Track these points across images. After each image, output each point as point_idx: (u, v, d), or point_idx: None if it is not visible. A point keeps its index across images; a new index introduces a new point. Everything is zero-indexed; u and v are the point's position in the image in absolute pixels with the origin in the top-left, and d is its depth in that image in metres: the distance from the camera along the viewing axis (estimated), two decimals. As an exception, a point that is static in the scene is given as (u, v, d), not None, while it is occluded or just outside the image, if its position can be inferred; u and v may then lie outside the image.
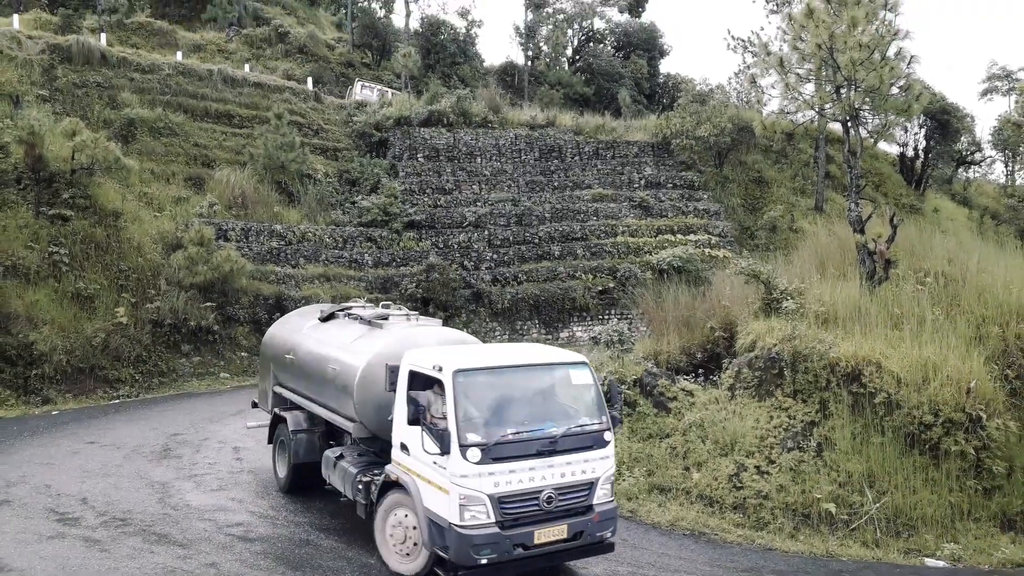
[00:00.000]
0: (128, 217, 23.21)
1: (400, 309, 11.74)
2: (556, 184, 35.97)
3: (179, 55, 34.80)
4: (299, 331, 12.06)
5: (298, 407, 11.45)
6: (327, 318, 11.74)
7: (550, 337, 30.40)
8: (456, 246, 31.31)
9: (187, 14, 45.53)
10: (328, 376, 10.16)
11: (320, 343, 11.04)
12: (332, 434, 10.85)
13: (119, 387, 19.88)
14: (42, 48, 28.28)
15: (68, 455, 13.45)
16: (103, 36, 32.30)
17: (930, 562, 9.75)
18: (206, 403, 18.89)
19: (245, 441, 14.60)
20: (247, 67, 37.39)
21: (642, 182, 37.25)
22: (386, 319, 10.63)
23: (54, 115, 24.29)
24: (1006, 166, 53.84)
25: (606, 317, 29.67)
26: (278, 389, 12.27)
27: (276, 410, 11.95)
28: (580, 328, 30.50)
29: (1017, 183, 52.83)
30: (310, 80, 38.87)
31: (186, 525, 9.78)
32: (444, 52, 47.82)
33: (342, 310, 11.91)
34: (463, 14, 50.60)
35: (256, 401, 13.62)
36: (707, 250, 32.50)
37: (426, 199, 32.81)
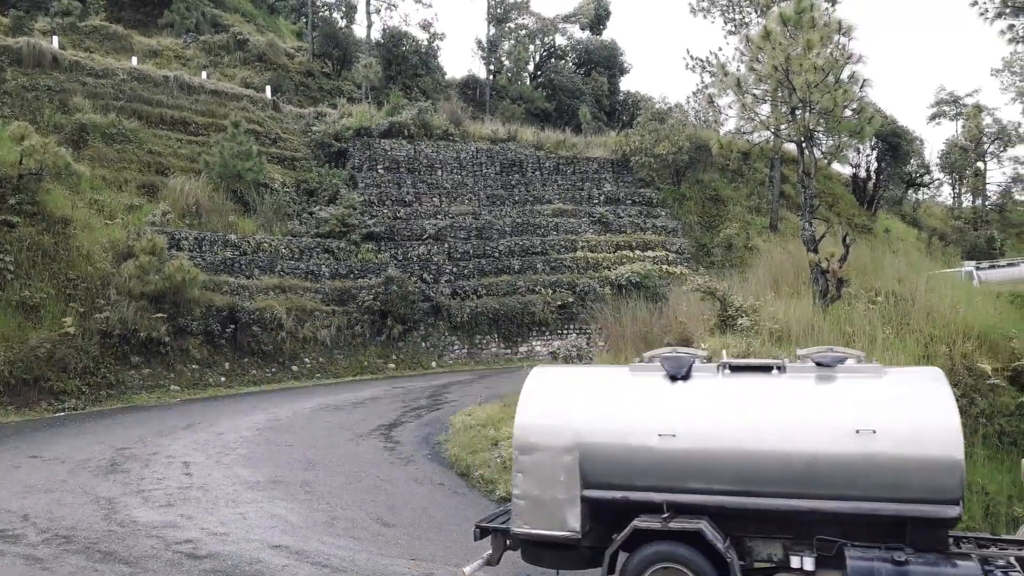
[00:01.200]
0: (78, 224, 22.66)
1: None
2: (517, 198, 36.10)
3: (134, 60, 34.23)
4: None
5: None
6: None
7: (509, 351, 30.40)
8: (415, 259, 31.18)
9: (143, 19, 44.80)
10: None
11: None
12: None
13: (65, 399, 19.33)
14: (-9, 50, 27.59)
15: (9, 469, 13.02)
16: (55, 39, 31.63)
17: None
18: (156, 417, 18.46)
19: (194, 456, 14.28)
20: (204, 74, 36.89)
21: (601, 198, 37.57)
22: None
23: (2, 119, 23.75)
24: (953, 188, 55.54)
25: (565, 332, 29.80)
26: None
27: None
28: (539, 343, 30.56)
29: (964, 205, 54.47)
30: (268, 89, 38.51)
31: (133, 542, 9.51)
32: (406, 64, 47.79)
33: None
34: (425, 26, 50.69)
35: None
36: (664, 266, 32.86)
37: (385, 211, 32.66)
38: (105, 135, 27.58)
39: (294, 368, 25.46)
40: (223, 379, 23.37)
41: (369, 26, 49.60)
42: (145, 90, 30.95)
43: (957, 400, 11.89)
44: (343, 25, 49.74)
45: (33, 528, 9.99)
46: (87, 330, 20.66)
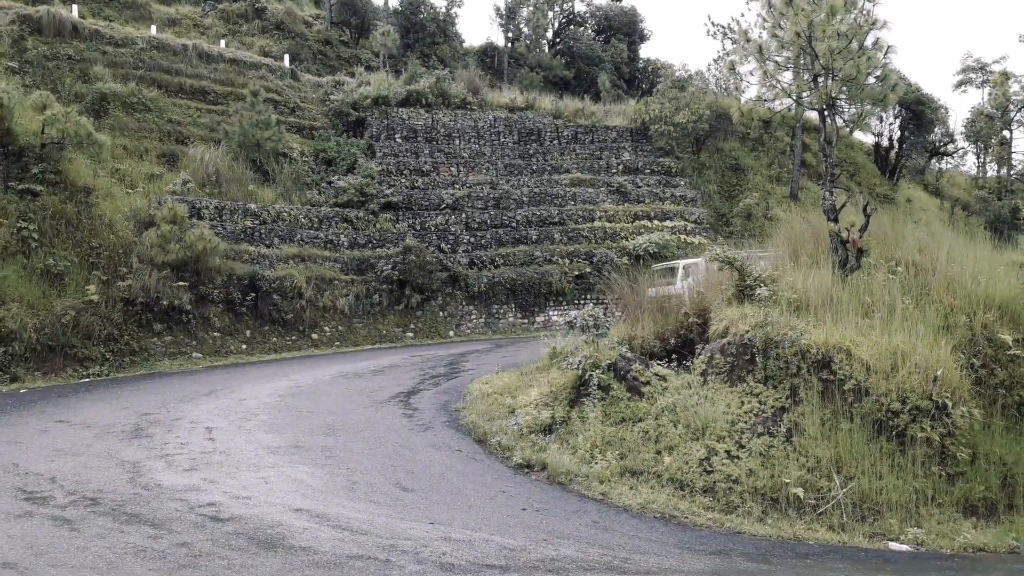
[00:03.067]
0: (100, 193, 22.89)
1: None
2: (534, 168, 35.96)
3: (153, 29, 34.24)
4: None
5: None
6: None
7: (526, 321, 30.51)
8: (433, 228, 31.24)
9: (161, -13, 44.70)
10: None
11: None
12: None
13: (89, 366, 19.68)
14: (11, 19, 27.70)
15: (37, 434, 13.30)
16: (75, 7, 31.67)
17: (894, 546, 9.94)
18: (178, 383, 18.75)
19: (217, 421, 14.52)
20: (223, 43, 36.87)
21: (620, 167, 37.35)
22: None
23: (24, 88, 23.84)
24: (978, 158, 54.59)
25: (582, 302, 29.83)
26: None
27: None
28: (556, 312, 30.64)
29: (988, 175, 53.57)
30: (287, 57, 38.44)
31: (157, 505, 9.72)
32: (423, 32, 47.44)
33: None
34: (443, -6, 50.16)
35: None
36: (683, 236, 32.72)
37: (403, 180, 32.67)
38: (125, 104, 27.72)
39: (314, 336, 25.70)
40: (244, 347, 23.66)
41: (387, -7, 49.22)
42: (164, 59, 31.01)
43: (976, 371, 11.91)
44: (361, -8, 49.34)
45: (60, 490, 10.23)
46: (110, 298, 20.95)
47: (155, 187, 25.16)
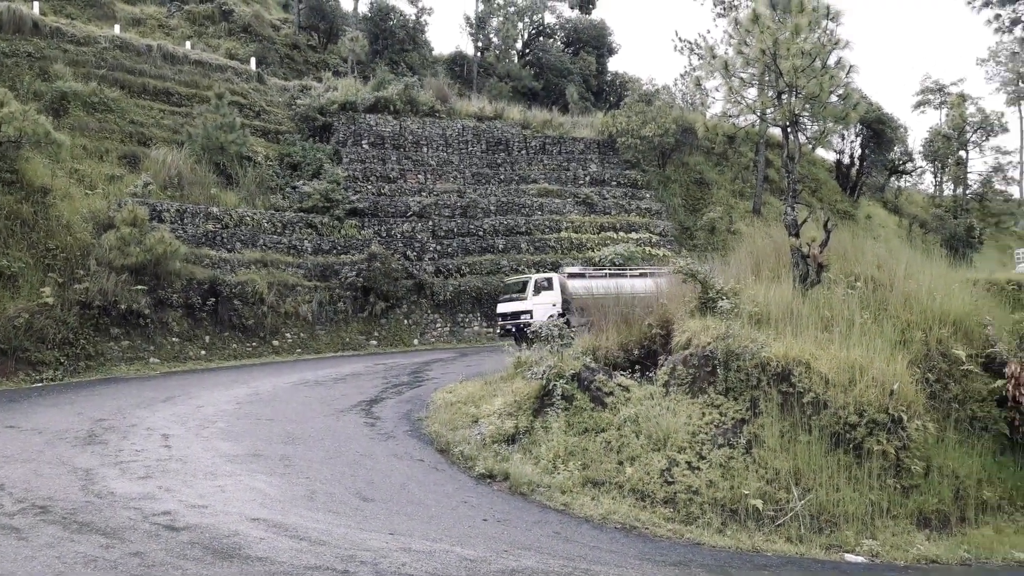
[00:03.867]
0: (57, 194, 22.42)
1: None
2: (502, 177, 36.02)
3: (117, 28, 33.71)
4: None
5: None
6: None
7: (491, 330, 30.47)
8: (399, 236, 31.10)
9: (126, -14, 44.04)
10: None
11: None
12: None
13: (43, 370, 19.22)
14: (-31, 14, 27.07)
15: (-14, 439, 12.93)
16: (36, 4, 31.08)
17: (849, 557, 10.07)
18: (135, 389, 18.38)
19: (174, 428, 14.25)
20: (188, 44, 36.42)
21: (587, 179, 37.58)
22: None
23: (-20, 84, 23.28)
24: (935, 177, 55.94)
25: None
26: None
27: None
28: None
29: (945, 194, 54.89)
30: (253, 60, 38.09)
31: (110, 513, 9.50)
32: (393, 38, 47.34)
33: None
34: (413, 1, 50.18)
35: None
36: (648, 248, 32.98)
37: (370, 187, 32.50)
38: (86, 104, 27.22)
39: (275, 343, 25.39)
40: (203, 352, 23.28)
41: (356, -1, 49.11)
42: (128, 59, 30.54)
43: (931, 385, 12.15)
44: (330, -2, 49.15)
45: (9, 498, 9.95)
46: (66, 301, 20.51)
47: (115, 189, 24.72)
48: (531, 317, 25.52)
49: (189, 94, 31.23)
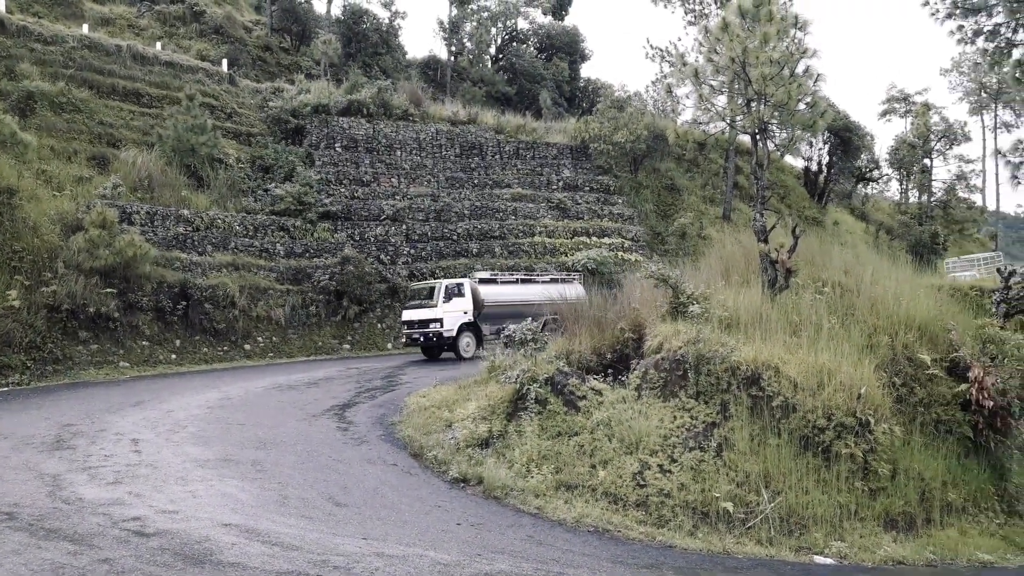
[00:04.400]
0: (24, 195, 22.06)
1: None
2: (476, 182, 36.06)
3: (85, 27, 33.27)
4: None
5: None
6: None
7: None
8: (372, 239, 31.01)
9: (95, -15, 43.48)
10: None
11: None
12: None
13: (9, 374, 18.91)
14: (-67, 11, 26.57)
15: (-51, 445, 12.70)
16: (2, 2, 30.57)
17: (818, 559, 10.24)
18: (104, 393, 18.14)
19: (143, 433, 14.09)
20: (159, 45, 36.04)
21: (560, 184, 37.74)
22: None
23: (-56, 83, 22.87)
24: (901, 184, 56.89)
25: (520, 316, 29.87)
26: None
27: None
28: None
29: (910, 200, 55.86)
30: (225, 62, 37.78)
31: (78, 519, 9.38)
32: (366, 42, 47.22)
33: None
34: (386, 4, 50.14)
35: None
36: (620, 253, 33.19)
37: (343, 190, 32.37)
38: (54, 104, 26.82)
39: (247, 347, 25.18)
40: (174, 356, 23.03)
41: (329, 2, 49.07)
42: (96, 59, 30.14)
43: (897, 389, 12.38)
44: (303, 0, 48.91)
45: (-25, 504, 9.78)
46: (33, 304, 20.18)
47: (84, 190, 24.38)
48: (441, 326, 24.55)
49: (159, 95, 30.90)
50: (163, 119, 29.22)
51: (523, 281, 27.34)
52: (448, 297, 24.92)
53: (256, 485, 11.22)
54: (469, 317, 25.15)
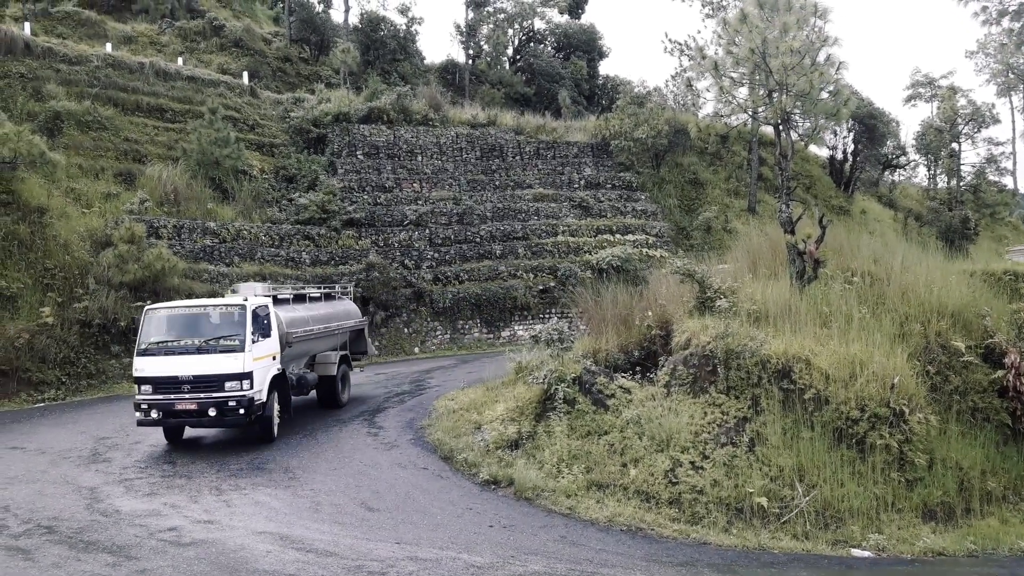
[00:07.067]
0: (54, 213, 22.44)
1: None
2: (497, 183, 36.06)
3: (108, 47, 33.74)
4: None
5: None
6: None
7: (491, 336, 30.51)
8: (397, 245, 31.13)
9: (117, 4, 44.16)
10: None
11: None
12: None
13: (44, 390, 19.23)
14: (-39, 37, 27.10)
15: (-11, 461, 12.94)
16: (27, 25, 31.14)
17: (856, 552, 10.10)
18: (137, 405, 18.31)
19: (177, 444, 14.26)
20: (180, 60, 36.47)
21: (582, 182, 37.63)
22: None
23: (-26, 107, 23.31)
24: (929, 169, 55.97)
25: (547, 316, 29.89)
26: None
27: None
28: (521, 327, 30.65)
29: (939, 186, 54.96)
30: (246, 75, 38.14)
31: (115, 531, 9.51)
32: (384, 49, 47.43)
33: None
34: (403, 11, 50.27)
35: None
36: (645, 250, 32.99)
37: (366, 197, 32.53)
38: (80, 123, 27.23)
39: (276, 356, 25.37)
40: (204, 368, 23.25)
41: (347, 11, 49.25)
42: (120, 77, 30.56)
43: (931, 378, 12.17)
44: (320, 10, 49.25)
45: (15, 519, 9.97)
46: (66, 320, 20.51)
47: (112, 206, 24.72)
48: (248, 386, 13.50)
49: (183, 110, 31.27)
50: (187, 133, 29.55)
51: (309, 299, 18.18)
52: (257, 331, 14.09)
53: (289, 493, 11.31)
54: (278, 365, 14.83)
